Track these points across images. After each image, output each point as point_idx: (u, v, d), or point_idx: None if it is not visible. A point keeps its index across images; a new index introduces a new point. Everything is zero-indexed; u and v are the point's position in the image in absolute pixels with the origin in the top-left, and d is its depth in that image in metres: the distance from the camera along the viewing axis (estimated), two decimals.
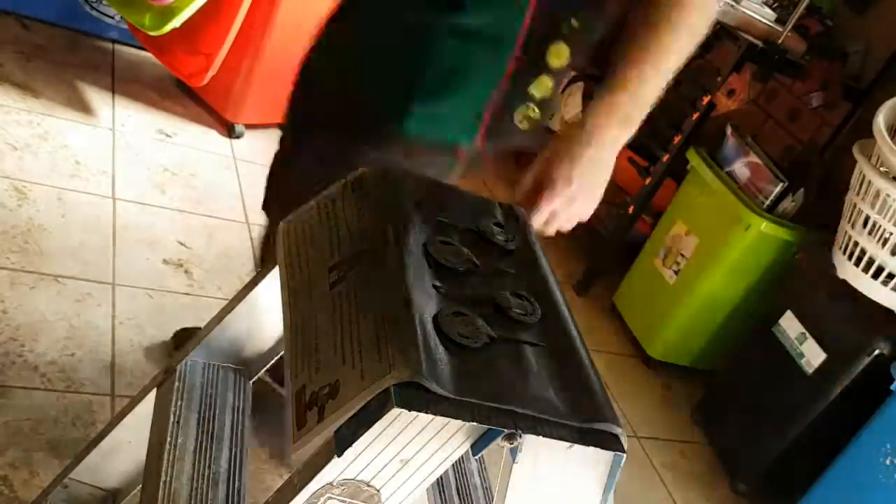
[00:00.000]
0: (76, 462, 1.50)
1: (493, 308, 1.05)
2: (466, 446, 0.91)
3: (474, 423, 0.88)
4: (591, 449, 0.93)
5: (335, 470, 0.89)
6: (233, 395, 1.37)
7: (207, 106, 3.11)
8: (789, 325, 2.55)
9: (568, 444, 0.92)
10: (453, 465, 1.22)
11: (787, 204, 2.77)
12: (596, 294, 3.29)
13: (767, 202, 2.76)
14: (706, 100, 2.93)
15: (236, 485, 1.22)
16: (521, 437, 0.90)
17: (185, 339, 1.73)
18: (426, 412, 0.85)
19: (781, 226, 2.71)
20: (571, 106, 3.71)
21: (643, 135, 3.88)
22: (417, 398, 0.85)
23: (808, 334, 2.49)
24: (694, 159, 2.94)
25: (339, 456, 0.87)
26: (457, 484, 1.43)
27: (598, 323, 3.17)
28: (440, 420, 0.87)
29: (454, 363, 0.91)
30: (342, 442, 0.87)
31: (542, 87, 1.35)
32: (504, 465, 0.97)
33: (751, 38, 2.86)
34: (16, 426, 1.73)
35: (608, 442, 0.95)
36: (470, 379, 0.91)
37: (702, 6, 1.26)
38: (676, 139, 3.01)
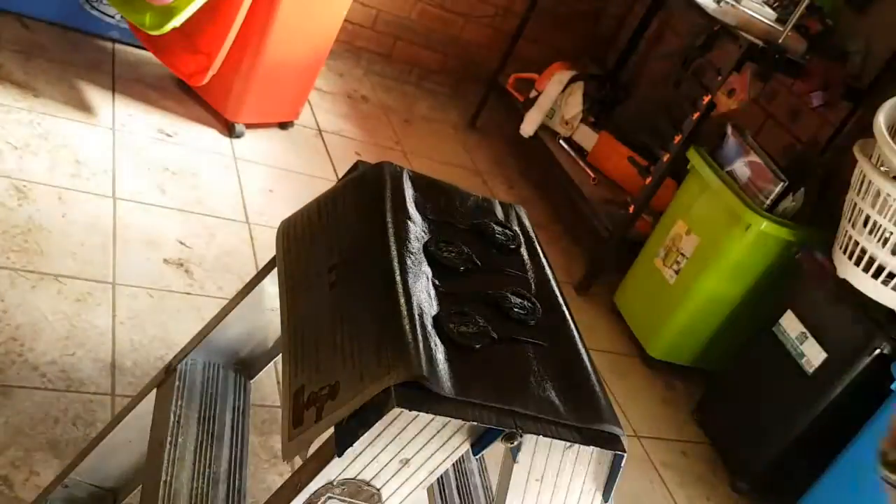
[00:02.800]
0: (76, 462, 1.50)
1: (494, 307, 1.05)
2: (466, 446, 0.91)
3: (474, 423, 0.88)
4: (592, 449, 0.93)
5: (336, 469, 0.89)
6: (233, 394, 1.37)
7: (208, 105, 3.11)
8: (790, 324, 2.55)
9: (568, 443, 0.92)
10: (454, 464, 1.22)
11: (788, 203, 2.77)
12: (596, 294, 3.29)
13: (768, 202, 2.76)
14: (706, 99, 2.93)
15: (236, 484, 1.22)
16: (521, 436, 0.90)
17: None
18: (426, 412, 0.85)
19: (781, 225, 2.71)
20: (572, 105, 3.71)
21: (644, 134, 3.87)
22: (417, 398, 0.85)
23: (808, 334, 2.49)
24: (694, 159, 2.94)
25: (339, 455, 0.87)
26: (457, 483, 1.43)
27: (599, 323, 3.17)
28: (440, 420, 0.87)
29: (454, 363, 0.91)
30: (343, 442, 0.87)
31: None
32: (504, 464, 0.97)
33: (751, 38, 2.86)
34: (16, 426, 1.73)
35: (608, 442, 0.95)
36: (470, 379, 0.90)
37: None
38: (677, 139, 3.01)
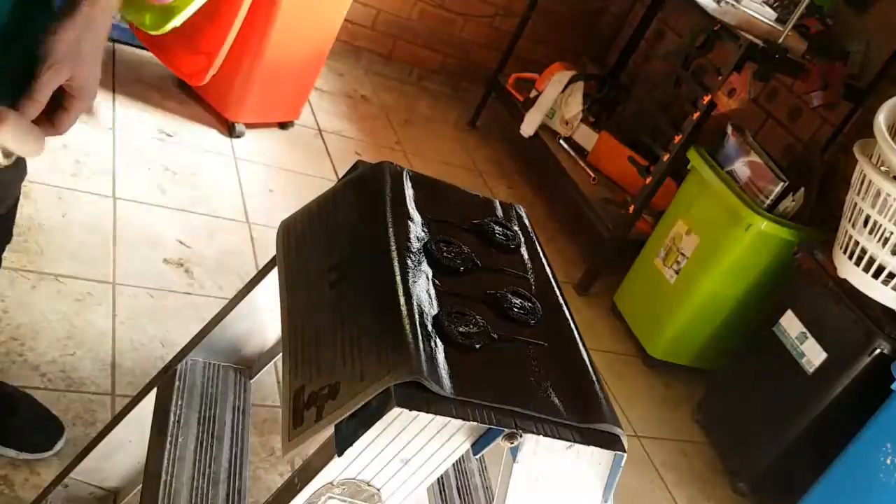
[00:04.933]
0: (76, 462, 1.50)
1: (494, 307, 1.05)
2: (467, 446, 0.91)
3: (474, 423, 0.88)
4: (592, 448, 0.93)
5: (336, 469, 0.89)
6: (233, 394, 1.37)
7: (208, 105, 3.11)
8: (790, 324, 2.55)
9: (568, 443, 0.92)
10: (454, 464, 1.22)
11: (788, 203, 2.77)
12: (596, 294, 3.29)
13: (768, 202, 2.76)
14: (707, 99, 2.93)
15: (236, 484, 1.22)
16: (521, 436, 0.90)
17: None
18: (426, 412, 0.85)
19: (781, 225, 2.71)
20: (572, 105, 3.71)
21: (644, 134, 3.87)
22: (418, 398, 0.85)
23: (808, 334, 2.49)
24: (694, 159, 2.94)
25: (339, 455, 0.87)
26: (457, 483, 1.43)
27: (599, 323, 3.17)
28: (440, 420, 0.87)
29: (454, 363, 0.91)
30: (343, 441, 0.87)
31: None
32: (504, 464, 0.97)
33: (751, 38, 2.86)
34: None
35: (608, 442, 0.95)
36: (470, 378, 0.90)
37: None
38: (677, 138, 3.01)
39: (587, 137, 3.69)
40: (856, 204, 2.37)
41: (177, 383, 1.32)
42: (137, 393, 1.46)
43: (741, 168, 2.85)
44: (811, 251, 2.57)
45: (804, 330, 2.50)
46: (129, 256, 2.32)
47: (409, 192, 1.18)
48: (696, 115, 2.96)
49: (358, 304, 1.01)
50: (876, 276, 2.35)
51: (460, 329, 0.96)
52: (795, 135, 3.37)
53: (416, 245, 1.07)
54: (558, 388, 0.97)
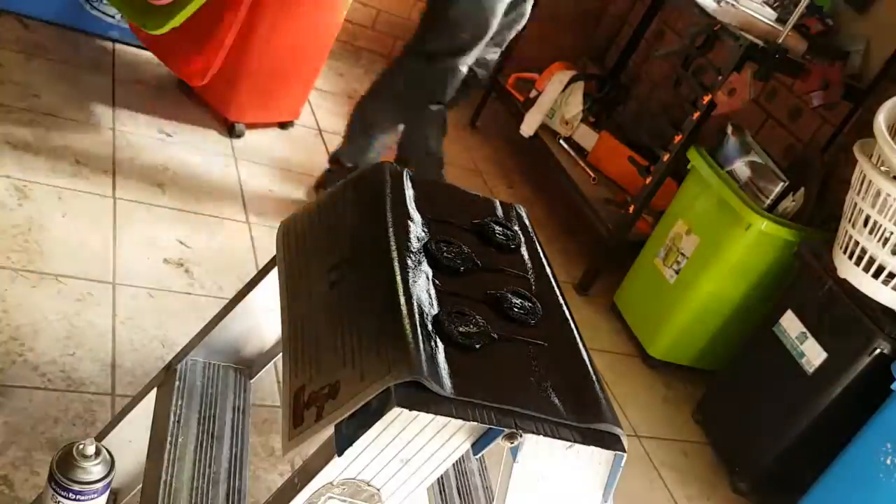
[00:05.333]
0: None
1: (494, 307, 1.05)
2: (467, 446, 0.91)
3: (475, 423, 0.88)
4: (592, 448, 0.93)
5: (336, 469, 0.89)
6: (233, 394, 1.37)
7: (208, 105, 3.11)
8: (790, 324, 2.55)
9: (568, 443, 0.92)
10: (454, 464, 1.22)
11: (788, 203, 2.77)
12: (596, 294, 3.29)
13: (768, 202, 2.76)
14: (707, 99, 2.93)
15: (236, 484, 1.22)
16: (521, 436, 0.90)
17: None
18: (426, 412, 0.85)
19: (782, 225, 2.71)
20: (572, 105, 3.71)
21: (644, 134, 3.86)
22: (418, 398, 0.85)
23: (808, 334, 2.49)
24: (694, 158, 2.94)
25: (339, 455, 0.87)
26: (457, 483, 1.43)
27: (599, 323, 3.17)
28: (440, 420, 0.87)
29: (454, 363, 0.91)
30: (343, 441, 0.87)
31: None
32: (504, 464, 0.97)
33: (751, 38, 2.86)
34: (16, 426, 1.73)
35: (608, 442, 0.95)
36: (470, 379, 0.91)
37: None
38: (677, 138, 3.01)
39: (587, 137, 3.69)
40: (856, 204, 2.37)
41: (177, 383, 1.32)
42: (137, 393, 1.46)
43: (741, 168, 2.85)
44: (811, 251, 2.57)
45: (804, 330, 2.50)
46: (129, 256, 2.32)
47: (409, 192, 1.18)
48: (696, 115, 2.96)
49: (358, 304, 1.01)
50: (876, 276, 2.35)
51: (460, 329, 0.96)
52: (795, 135, 3.37)
53: (416, 245, 1.07)
54: (558, 388, 0.97)
